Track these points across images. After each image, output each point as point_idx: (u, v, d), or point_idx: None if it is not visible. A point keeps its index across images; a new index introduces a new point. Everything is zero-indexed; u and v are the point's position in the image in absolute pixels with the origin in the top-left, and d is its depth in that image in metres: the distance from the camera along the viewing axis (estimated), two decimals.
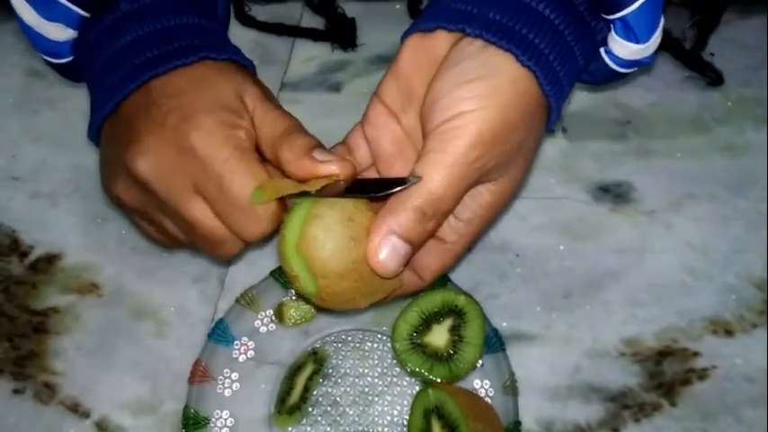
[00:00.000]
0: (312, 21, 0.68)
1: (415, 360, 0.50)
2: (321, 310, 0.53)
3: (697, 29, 0.64)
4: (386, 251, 0.41)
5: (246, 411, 0.50)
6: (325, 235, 0.41)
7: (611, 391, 0.51)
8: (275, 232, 0.45)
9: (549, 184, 0.60)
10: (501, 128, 0.40)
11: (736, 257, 0.56)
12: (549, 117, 0.44)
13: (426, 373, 0.49)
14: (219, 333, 0.52)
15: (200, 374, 0.51)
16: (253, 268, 0.56)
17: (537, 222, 0.58)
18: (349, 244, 0.41)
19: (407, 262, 0.42)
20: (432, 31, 0.43)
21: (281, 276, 0.54)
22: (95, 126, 0.48)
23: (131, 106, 0.46)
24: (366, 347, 0.53)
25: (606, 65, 0.47)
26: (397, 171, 0.45)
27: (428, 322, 0.50)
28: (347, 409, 0.50)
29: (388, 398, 0.51)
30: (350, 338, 0.53)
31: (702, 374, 0.52)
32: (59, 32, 0.49)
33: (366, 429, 0.50)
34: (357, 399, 0.51)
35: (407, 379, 0.51)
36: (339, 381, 0.51)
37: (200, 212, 0.44)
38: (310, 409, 0.50)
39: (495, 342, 0.51)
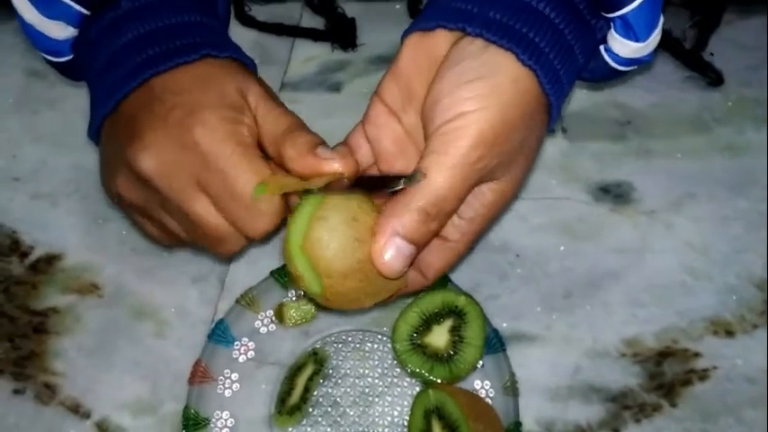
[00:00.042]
0: (312, 21, 0.68)
1: (415, 361, 0.50)
2: (324, 309, 0.53)
3: (697, 29, 0.64)
4: (391, 252, 0.41)
5: (247, 412, 0.50)
6: (330, 235, 0.41)
7: (612, 391, 0.51)
8: (277, 229, 0.45)
9: (550, 184, 0.60)
10: (502, 127, 0.40)
11: (736, 257, 0.56)
12: (550, 116, 0.44)
13: (427, 374, 0.49)
14: (220, 333, 0.52)
15: (200, 375, 0.51)
16: (253, 268, 0.56)
17: (537, 223, 0.58)
18: (353, 244, 0.42)
19: (412, 262, 0.42)
20: (431, 30, 0.43)
21: (281, 277, 0.54)
22: (96, 124, 0.48)
23: (133, 104, 0.46)
24: (366, 348, 0.53)
25: (606, 63, 0.47)
26: (398, 170, 0.45)
27: (428, 323, 0.50)
28: (347, 410, 0.50)
29: (389, 398, 0.51)
30: (350, 339, 0.53)
31: (703, 375, 0.52)
32: (60, 31, 0.49)
33: (366, 430, 0.50)
34: (357, 399, 0.51)
35: (408, 380, 0.51)
36: (339, 381, 0.51)
37: (203, 209, 0.44)
38: (311, 410, 0.50)
39: (495, 342, 0.51)
